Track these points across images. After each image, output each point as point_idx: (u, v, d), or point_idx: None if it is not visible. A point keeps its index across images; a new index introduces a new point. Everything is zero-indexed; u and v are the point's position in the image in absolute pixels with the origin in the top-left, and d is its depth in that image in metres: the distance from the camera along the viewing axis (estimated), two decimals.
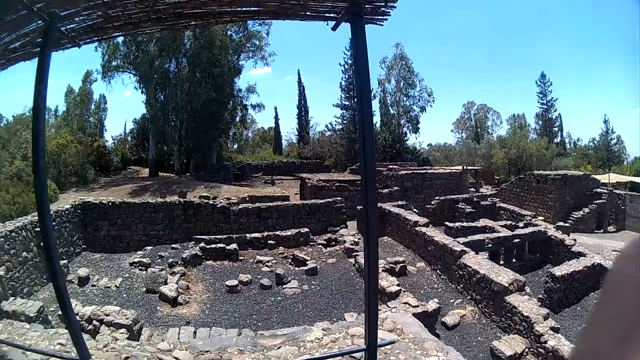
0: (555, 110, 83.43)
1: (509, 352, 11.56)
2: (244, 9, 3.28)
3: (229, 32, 51.13)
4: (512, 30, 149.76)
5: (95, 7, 2.97)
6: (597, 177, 40.78)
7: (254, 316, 14.03)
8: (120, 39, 41.61)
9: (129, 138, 66.87)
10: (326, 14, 3.24)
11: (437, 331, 12.83)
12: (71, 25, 3.23)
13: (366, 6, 2.94)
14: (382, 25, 3.22)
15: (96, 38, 3.68)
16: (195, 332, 12.04)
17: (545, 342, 11.47)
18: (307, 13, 3.22)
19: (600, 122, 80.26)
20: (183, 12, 3.23)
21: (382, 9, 3.04)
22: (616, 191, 36.61)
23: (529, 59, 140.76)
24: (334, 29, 3.32)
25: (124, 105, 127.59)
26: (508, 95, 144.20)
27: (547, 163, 59.86)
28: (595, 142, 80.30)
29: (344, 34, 73.35)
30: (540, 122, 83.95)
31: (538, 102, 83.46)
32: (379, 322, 8.06)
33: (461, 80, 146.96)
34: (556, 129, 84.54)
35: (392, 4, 2.98)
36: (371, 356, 4.43)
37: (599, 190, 35.50)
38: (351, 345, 6.71)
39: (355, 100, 44.82)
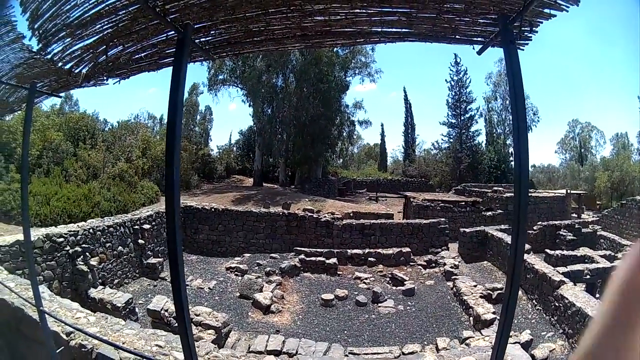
0: None
1: None
2: (394, 29, 3.25)
3: (335, 49, 51.19)
4: (612, 42, 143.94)
5: (234, 21, 2.98)
6: None
7: (345, 332, 13.94)
8: None
9: (234, 148, 69.93)
10: (474, 38, 3.18)
11: None
12: (206, 38, 3.26)
13: (515, 32, 2.86)
14: (522, 49, 3.13)
15: (232, 52, 3.70)
16: (284, 342, 12.00)
17: None
18: (457, 37, 3.17)
19: None
20: (331, 31, 3.21)
21: (526, 33, 2.95)
22: None
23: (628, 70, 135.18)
24: (479, 53, 3.24)
25: (229, 117, 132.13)
26: (610, 112, 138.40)
27: None
28: None
29: (449, 50, 72.86)
30: None
31: None
32: (460, 349, 7.86)
33: (565, 96, 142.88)
34: None
35: (535, 28, 2.89)
36: None
37: None
38: None
39: (462, 118, 44.46)
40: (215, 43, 3.34)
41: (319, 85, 48.53)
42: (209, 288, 16.49)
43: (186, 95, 65.16)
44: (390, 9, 2.92)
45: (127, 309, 12.33)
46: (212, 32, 3.17)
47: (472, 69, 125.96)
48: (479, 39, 3.16)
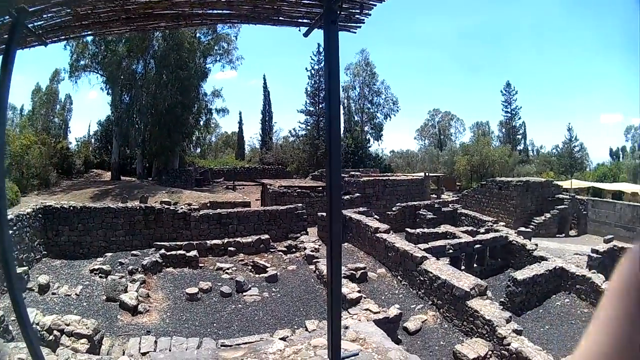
0: (519, 119, 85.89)
1: (472, 355, 11.70)
2: (215, 11, 3.22)
3: (197, 35, 50.82)
4: (479, 39, 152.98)
5: (64, 4, 2.88)
6: (559, 183, 42.41)
7: (215, 324, 13.87)
8: (89, 38, 40.93)
9: (93, 140, 66.28)
10: (299, 20, 3.19)
11: (399, 337, 12.92)
12: (39, 23, 3.13)
13: (341, 13, 2.89)
14: (355, 32, 3.19)
15: (63, 37, 3.58)
16: (156, 342, 11.70)
17: (509, 344, 11.68)
18: (281, 18, 3.17)
19: (564, 130, 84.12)
20: (153, 13, 3.15)
21: (357, 16, 3.00)
22: (578, 197, 37.87)
23: (494, 69, 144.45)
24: (306, 35, 3.28)
25: (89, 107, 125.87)
26: (473, 104, 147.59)
27: (509, 170, 61.16)
28: (559, 149, 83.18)
29: (311, 39, 73.98)
30: (503, 130, 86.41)
31: (502, 110, 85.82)
32: (340, 332, 8.02)
33: (427, 88, 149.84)
34: (519, 136, 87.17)
35: (367, 11, 2.95)
36: None
37: (560, 196, 36.52)
38: (314, 357, 6.65)
39: (320, 106, 44.79)
40: (47, 27, 3.22)
41: (178, 72, 47.25)
42: (76, 294, 15.66)
43: (47, 82, 62.41)
44: None
45: (1, 327, 11.64)
46: (44, 16, 3.05)
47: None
48: (306, 20, 3.19)
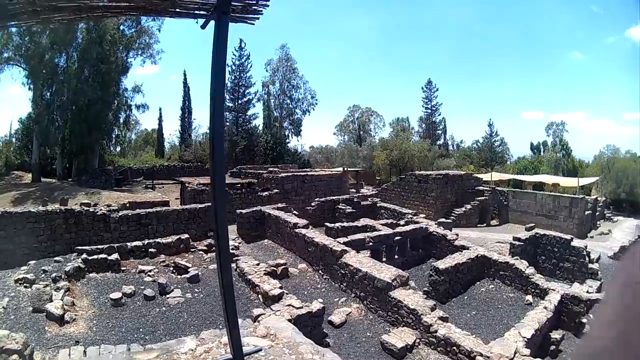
0: (439, 115, 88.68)
1: (400, 344, 11.97)
2: (115, 3, 3.16)
3: (121, 27, 49.12)
4: (402, 38, 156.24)
5: None
6: (479, 175, 44.23)
7: (141, 330, 13.58)
8: (14, 29, 38.88)
9: (14, 140, 62.81)
10: (196, 12, 3.14)
11: (324, 331, 13.08)
12: None
13: (235, 3, 2.86)
14: (253, 24, 3.16)
15: None
16: (85, 352, 11.48)
17: (436, 331, 12.05)
18: (177, 10, 3.13)
19: (485, 126, 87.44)
20: (57, 5, 3.07)
21: (254, 7, 2.98)
22: (498, 188, 39.24)
23: (417, 67, 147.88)
24: (203, 27, 3.23)
25: (11, 103, 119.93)
26: (394, 101, 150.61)
27: (429, 164, 62.85)
28: (479, 144, 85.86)
29: (235, 34, 73.43)
30: (423, 126, 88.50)
31: (423, 106, 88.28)
32: (251, 329, 8.00)
33: (348, 85, 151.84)
34: (439, 132, 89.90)
35: (264, 2, 2.93)
36: None
37: (480, 187, 37.96)
38: (224, 355, 6.63)
39: (239, 102, 44.60)
40: None
41: (100, 66, 45.48)
42: (2, 307, 15.05)
43: None
44: None
45: None
46: None
47: (256, 55, 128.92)
48: (202, 12, 3.16)
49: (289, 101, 73.63)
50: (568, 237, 22.56)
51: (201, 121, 79.78)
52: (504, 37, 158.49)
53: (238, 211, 24.88)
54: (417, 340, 12.41)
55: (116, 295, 15.48)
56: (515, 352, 10.89)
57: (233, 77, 66.07)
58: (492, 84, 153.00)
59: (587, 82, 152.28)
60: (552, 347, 14.19)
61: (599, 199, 41.70)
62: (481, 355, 10.80)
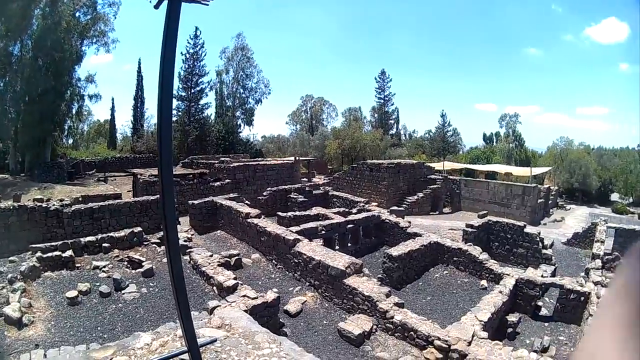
0: (392, 104, 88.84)
1: (358, 331, 12.13)
2: None
3: (77, 14, 47.29)
4: (357, 30, 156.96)
5: None
6: (432, 165, 44.79)
7: (99, 328, 13.38)
8: None
9: None
10: None
11: (281, 320, 13.15)
12: None
13: None
14: (207, 4, 3.16)
15: None
16: (45, 355, 11.31)
17: (392, 317, 12.23)
18: None
19: (438, 117, 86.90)
20: None
21: None
22: (451, 177, 40.01)
23: (371, 57, 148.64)
24: (156, 7, 3.17)
25: None
26: (347, 91, 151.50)
27: (381, 153, 63.00)
28: (431, 134, 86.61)
29: (190, 23, 72.51)
30: (376, 115, 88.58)
31: (376, 96, 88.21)
32: (206, 320, 8.09)
33: (302, 75, 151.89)
34: (392, 121, 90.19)
35: None
36: (194, 356, 4.47)
37: (433, 176, 38.45)
38: (180, 347, 6.68)
39: (192, 91, 44.07)
40: None
41: (53, 54, 43.53)
42: None
43: None
44: None
45: None
46: None
47: (210, 44, 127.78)
48: None
49: (242, 90, 72.74)
50: (521, 224, 23.14)
51: (153, 111, 77.93)
52: (461, 30, 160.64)
53: (190, 202, 24.82)
54: (374, 327, 12.58)
55: (72, 293, 15.17)
56: (473, 335, 11.15)
57: (186, 66, 65.09)
58: (446, 75, 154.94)
59: (542, 77, 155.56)
60: (510, 330, 14.55)
61: (552, 188, 43.00)
62: (439, 339, 11.02)
